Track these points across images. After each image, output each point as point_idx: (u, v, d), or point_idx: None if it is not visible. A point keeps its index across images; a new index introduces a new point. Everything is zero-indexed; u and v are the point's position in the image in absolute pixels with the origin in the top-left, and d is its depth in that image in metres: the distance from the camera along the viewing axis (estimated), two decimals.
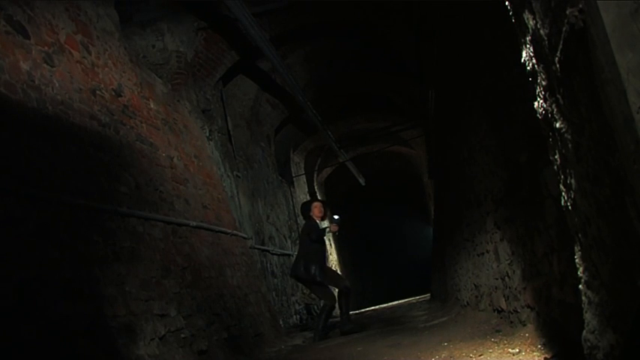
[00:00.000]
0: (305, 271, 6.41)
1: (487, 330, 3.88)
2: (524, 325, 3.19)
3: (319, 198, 12.35)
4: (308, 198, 13.63)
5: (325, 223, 6.71)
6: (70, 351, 3.01)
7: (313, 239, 6.49)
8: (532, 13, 1.41)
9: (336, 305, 6.52)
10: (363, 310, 12.85)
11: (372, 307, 13.69)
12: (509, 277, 3.61)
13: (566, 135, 1.39)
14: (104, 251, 3.76)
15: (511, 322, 3.58)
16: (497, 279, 4.03)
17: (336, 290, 6.65)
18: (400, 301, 14.52)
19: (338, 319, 6.73)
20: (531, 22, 1.44)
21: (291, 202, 11.66)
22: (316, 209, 6.72)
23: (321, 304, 6.69)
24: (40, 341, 2.83)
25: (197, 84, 7.29)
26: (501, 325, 3.79)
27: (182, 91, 6.78)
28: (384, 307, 12.96)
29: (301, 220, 11.84)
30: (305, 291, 7.21)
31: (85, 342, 3.18)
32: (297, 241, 6.74)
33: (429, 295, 11.70)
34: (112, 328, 3.48)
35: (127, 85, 5.09)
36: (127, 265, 3.97)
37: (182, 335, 4.30)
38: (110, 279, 3.70)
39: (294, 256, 6.81)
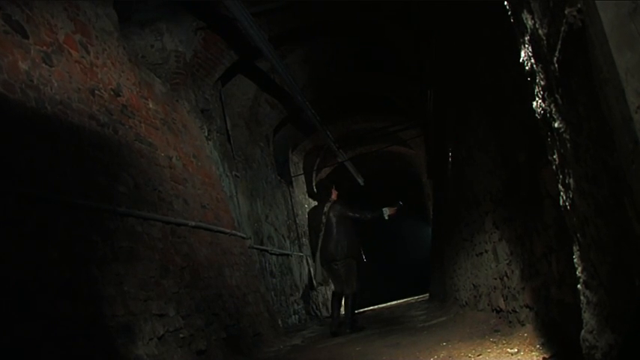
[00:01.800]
0: (347, 248, 6.55)
1: (486, 330, 3.89)
2: (523, 325, 3.20)
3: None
4: (307, 198, 13.64)
5: (386, 210, 6.82)
6: (68, 351, 3.01)
7: (367, 218, 6.86)
8: (530, 12, 1.41)
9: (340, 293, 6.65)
10: (361, 310, 12.86)
11: (371, 307, 13.69)
12: (507, 277, 3.61)
13: (564, 135, 1.39)
14: (103, 251, 3.76)
15: (510, 321, 3.58)
16: (495, 279, 4.03)
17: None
18: (399, 301, 14.53)
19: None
20: (530, 22, 1.44)
21: (289, 202, 11.66)
22: (334, 194, 6.94)
23: (332, 294, 6.89)
24: (39, 341, 2.83)
25: (196, 84, 7.29)
26: (500, 325, 3.79)
27: (181, 91, 6.78)
28: (383, 307, 12.97)
29: (300, 220, 11.85)
30: (325, 273, 7.13)
31: (84, 342, 3.18)
32: (323, 226, 6.59)
33: (427, 295, 11.71)
34: (110, 328, 3.48)
35: (126, 85, 5.09)
36: (126, 265, 3.97)
37: (181, 335, 4.30)
38: (109, 279, 3.70)
39: (321, 239, 6.64)
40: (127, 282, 3.88)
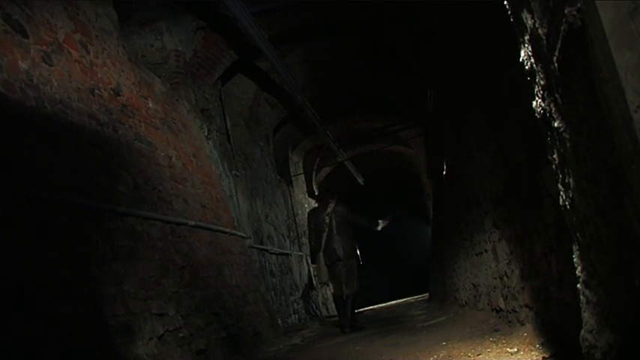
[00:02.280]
0: (350, 249, 6.79)
1: (485, 329, 3.89)
2: (523, 324, 3.20)
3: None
4: (307, 197, 13.63)
5: (380, 222, 7.12)
6: (68, 351, 3.01)
7: (365, 225, 7.10)
8: (530, 12, 1.41)
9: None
10: (361, 309, 12.88)
11: (371, 307, 13.69)
12: (507, 276, 3.61)
13: (564, 134, 1.39)
14: (103, 250, 3.76)
15: (509, 321, 3.58)
16: (495, 278, 4.03)
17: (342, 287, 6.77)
18: (399, 301, 14.53)
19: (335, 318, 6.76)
20: (530, 22, 1.44)
21: (289, 202, 11.66)
22: (335, 197, 7.12)
23: (333, 296, 7.07)
24: (38, 341, 2.83)
25: (196, 83, 7.29)
26: (500, 324, 3.79)
27: (181, 91, 6.78)
28: (383, 307, 12.97)
29: (300, 220, 11.84)
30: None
31: (84, 341, 3.18)
32: (326, 227, 6.79)
33: (427, 294, 11.71)
34: (110, 328, 3.48)
35: (126, 85, 5.08)
36: (126, 265, 3.97)
37: (180, 334, 4.30)
38: (109, 278, 3.70)
39: (325, 239, 6.79)
40: (126, 281, 3.88)
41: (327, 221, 6.77)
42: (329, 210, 6.84)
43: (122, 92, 4.95)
